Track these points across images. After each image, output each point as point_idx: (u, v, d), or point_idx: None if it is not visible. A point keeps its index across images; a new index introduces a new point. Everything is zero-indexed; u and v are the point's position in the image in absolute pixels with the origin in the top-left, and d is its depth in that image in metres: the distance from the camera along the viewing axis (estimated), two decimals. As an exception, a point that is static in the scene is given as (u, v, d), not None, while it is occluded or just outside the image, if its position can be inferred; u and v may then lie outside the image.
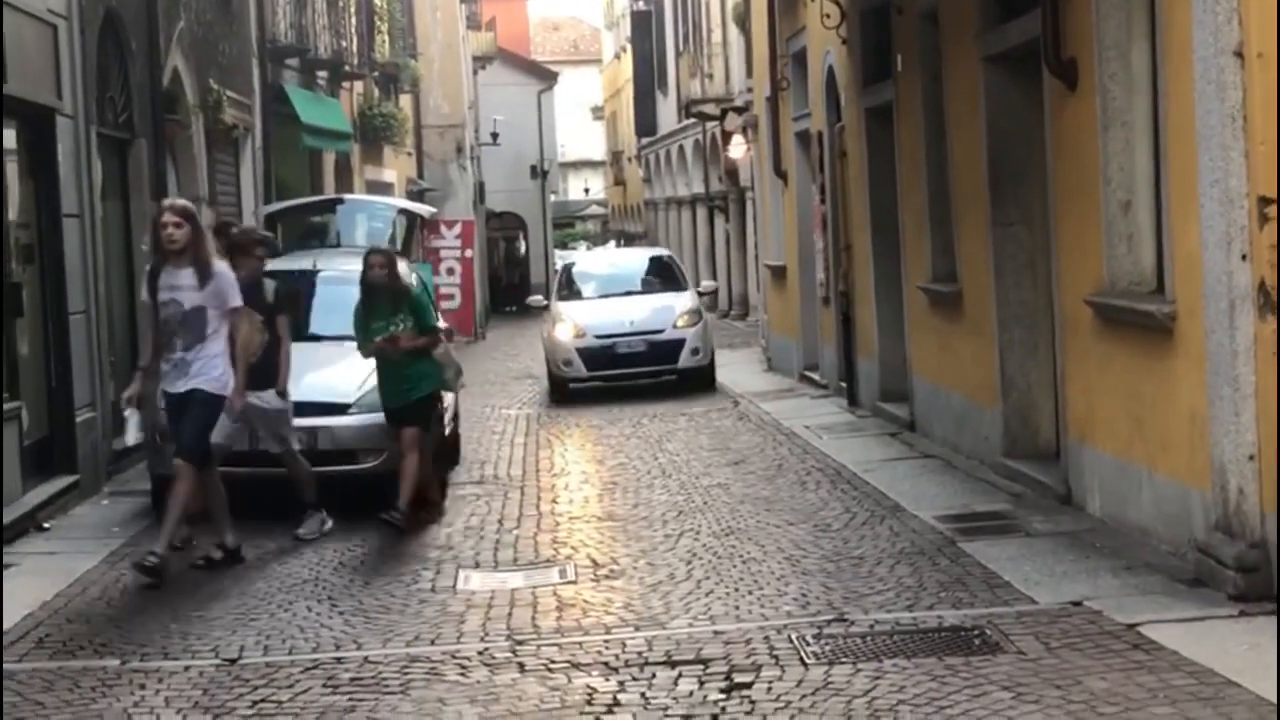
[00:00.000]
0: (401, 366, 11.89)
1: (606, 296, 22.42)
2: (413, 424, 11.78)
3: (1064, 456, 11.00)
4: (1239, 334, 7.89)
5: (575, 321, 21.37)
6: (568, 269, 24.36)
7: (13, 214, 12.37)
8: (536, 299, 25.15)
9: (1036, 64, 10.84)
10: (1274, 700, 6.33)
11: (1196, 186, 8.24)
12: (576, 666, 7.59)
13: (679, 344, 21.02)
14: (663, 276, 23.25)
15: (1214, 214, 8.05)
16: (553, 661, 7.70)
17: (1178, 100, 8.60)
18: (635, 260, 25.60)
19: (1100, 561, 9.11)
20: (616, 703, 6.96)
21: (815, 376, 20.32)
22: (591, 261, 26.43)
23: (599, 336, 21.00)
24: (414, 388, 11.89)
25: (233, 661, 8.00)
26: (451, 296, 34.32)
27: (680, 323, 21.18)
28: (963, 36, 12.72)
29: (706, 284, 28.43)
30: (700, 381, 21.15)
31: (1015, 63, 11.77)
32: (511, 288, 54.92)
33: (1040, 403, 12.03)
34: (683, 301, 21.83)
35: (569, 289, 23.07)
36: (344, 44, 28.07)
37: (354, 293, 14.45)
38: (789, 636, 7.83)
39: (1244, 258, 7.84)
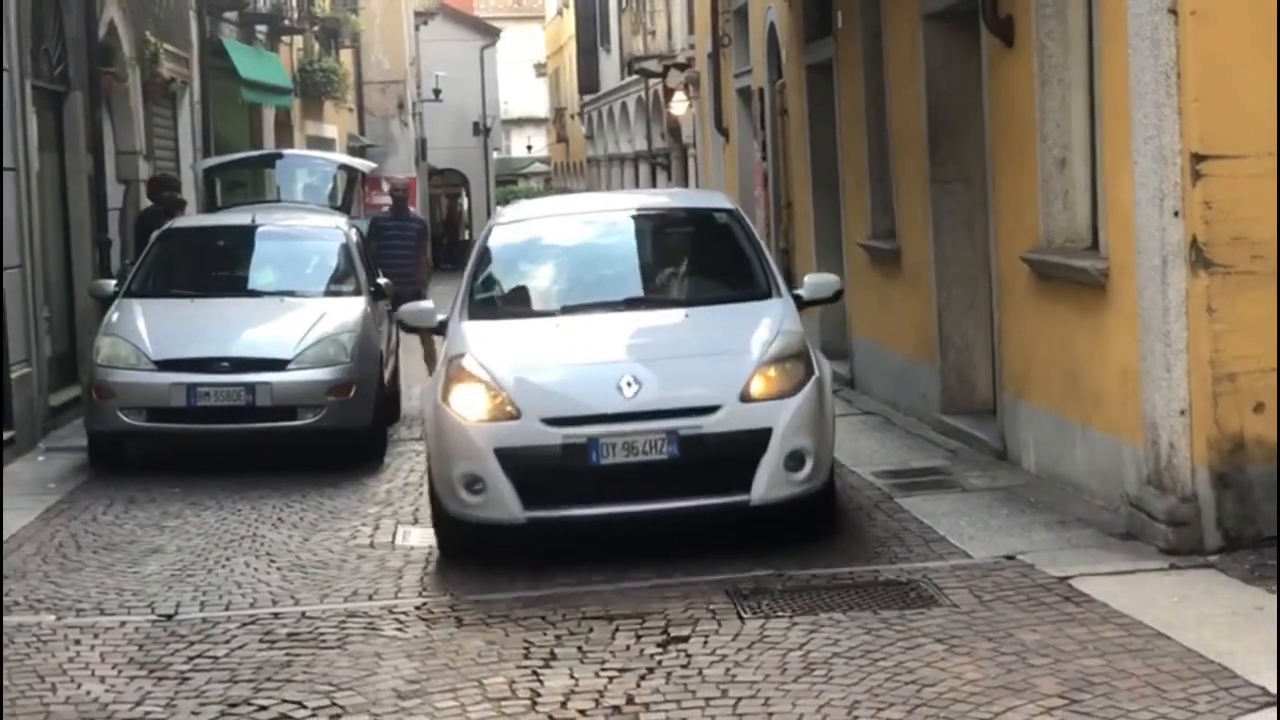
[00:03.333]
0: None
1: (578, 310, 9.64)
2: None
3: (1000, 413, 11.09)
4: (1171, 290, 7.97)
5: (497, 382, 8.82)
6: (485, 247, 10.38)
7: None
8: (418, 309, 10.29)
9: (975, 21, 10.87)
10: (1203, 652, 6.42)
11: (1130, 143, 8.30)
12: (514, 621, 7.61)
13: (756, 442, 8.66)
14: (719, 263, 10.47)
15: (1147, 170, 8.11)
16: (490, 616, 7.72)
17: (1113, 57, 8.65)
18: (647, 218, 11.05)
19: (1034, 516, 9.20)
20: (554, 656, 6.98)
21: (756, 333, 20.35)
22: (548, 221, 10.98)
23: (551, 423, 8.63)
24: None
25: (169, 617, 7.97)
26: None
27: (759, 387, 8.80)
28: (903, -7, 12.73)
29: (816, 279, 10.44)
30: (804, 537, 9.00)
31: (955, 20, 11.79)
32: (454, 245, 54.72)
33: (977, 359, 12.10)
34: (767, 327, 9.30)
35: (493, 290, 10.21)
36: (283, -3, 27.86)
37: (294, 247, 14.50)
38: (725, 590, 7.87)
39: (1176, 214, 7.91)
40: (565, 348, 9.18)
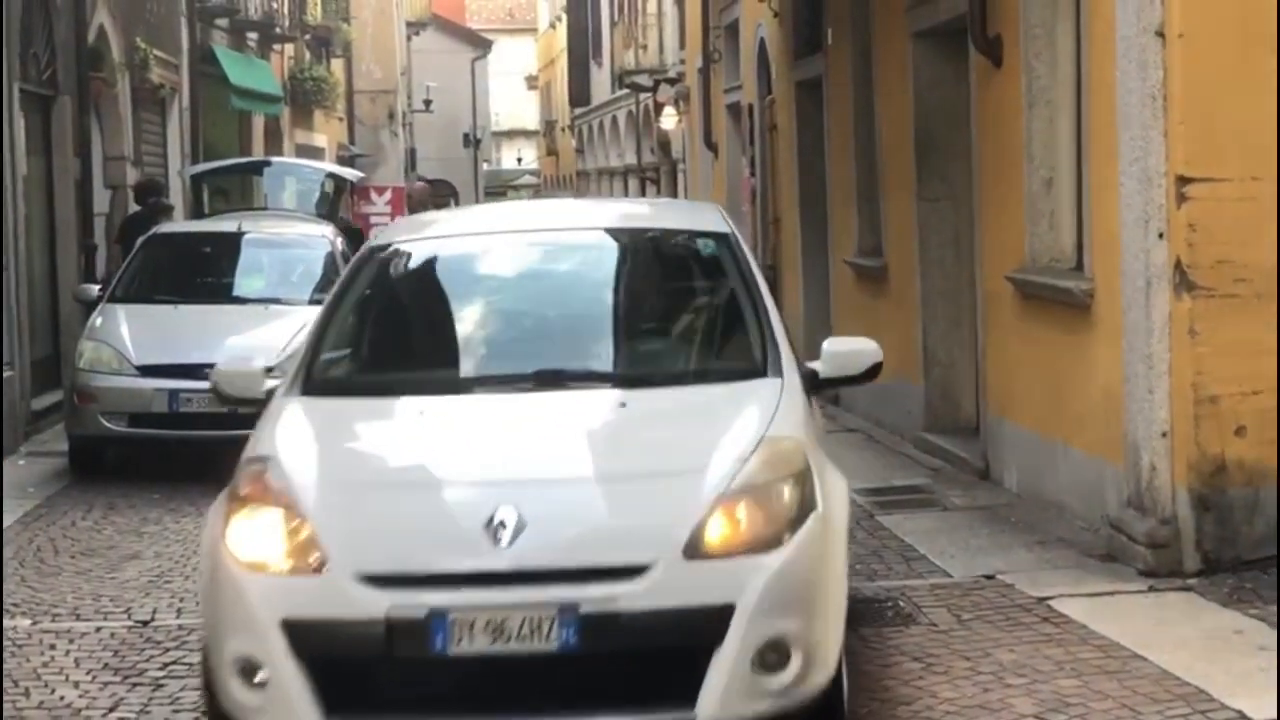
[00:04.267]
0: None
1: (461, 389, 6.29)
2: None
3: (983, 432, 11.08)
4: (1154, 312, 7.97)
5: (300, 507, 5.41)
6: (348, 284, 6.97)
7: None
8: (233, 372, 7.20)
9: (964, 41, 10.88)
10: (1178, 673, 6.42)
11: (1117, 165, 8.31)
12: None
13: (708, 626, 5.11)
14: (692, 317, 6.97)
15: (1133, 192, 8.11)
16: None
17: (1100, 79, 8.66)
18: (598, 245, 7.21)
19: (1015, 536, 9.19)
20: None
21: (742, 349, 20.34)
22: (451, 244, 7.30)
23: (374, 582, 5.18)
24: None
25: (145, 623, 7.94)
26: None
27: (719, 533, 5.25)
28: (893, 11, 12.75)
29: (844, 346, 6.63)
30: None
31: (944, 39, 11.81)
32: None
33: (962, 378, 12.10)
34: (747, 427, 5.64)
35: (343, 352, 6.85)
36: (275, 5, 27.85)
37: (280, 255, 14.47)
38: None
39: (1161, 236, 7.91)
40: (421, 453, 5.85)
